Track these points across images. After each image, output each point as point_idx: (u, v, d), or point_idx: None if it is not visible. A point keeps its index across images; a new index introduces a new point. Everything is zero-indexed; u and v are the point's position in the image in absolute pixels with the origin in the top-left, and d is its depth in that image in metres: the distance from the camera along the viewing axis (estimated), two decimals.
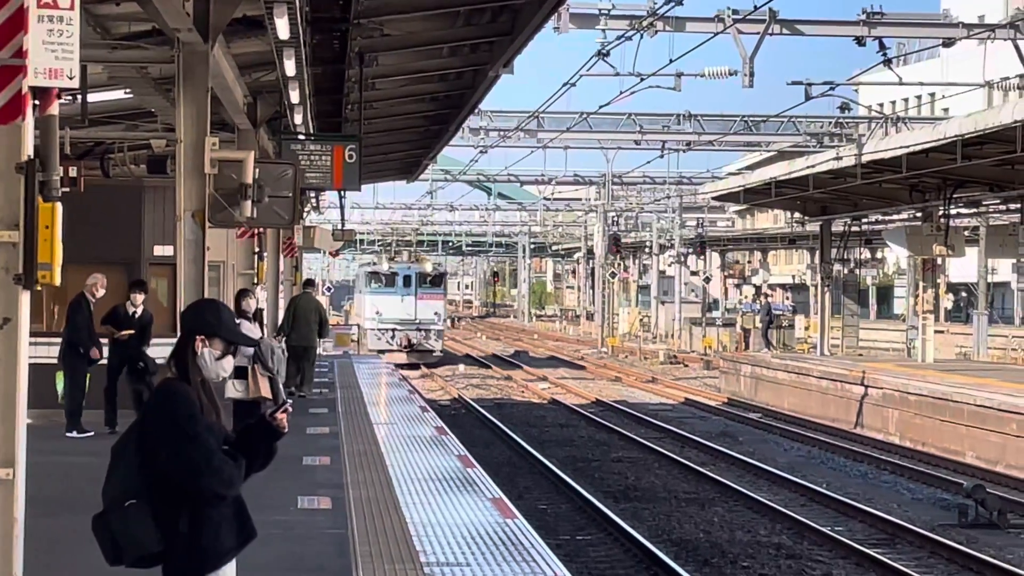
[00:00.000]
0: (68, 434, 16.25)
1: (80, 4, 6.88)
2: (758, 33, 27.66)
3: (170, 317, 17.73)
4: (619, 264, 64.60)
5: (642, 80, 29.70)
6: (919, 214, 34.58)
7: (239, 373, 14.56)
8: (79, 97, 17.08)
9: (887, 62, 29.04)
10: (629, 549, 15.59)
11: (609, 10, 28.45)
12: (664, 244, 69.92)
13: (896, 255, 59.04)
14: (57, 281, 6.57)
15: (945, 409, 25.18)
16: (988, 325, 44.40)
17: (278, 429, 5.44)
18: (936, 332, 36.24)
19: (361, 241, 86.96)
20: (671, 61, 27.87)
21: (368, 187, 63.60)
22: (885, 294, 77.60)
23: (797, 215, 41.36)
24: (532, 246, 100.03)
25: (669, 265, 71.06)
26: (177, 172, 14.30)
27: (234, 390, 14.73)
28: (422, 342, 49.94)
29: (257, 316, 17.17)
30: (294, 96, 17.95)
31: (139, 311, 16.79)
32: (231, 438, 5.45)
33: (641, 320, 71.34)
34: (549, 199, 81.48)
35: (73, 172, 17.11)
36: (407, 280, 50.97)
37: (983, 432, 23.63)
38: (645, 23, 27.07)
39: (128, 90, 20.25)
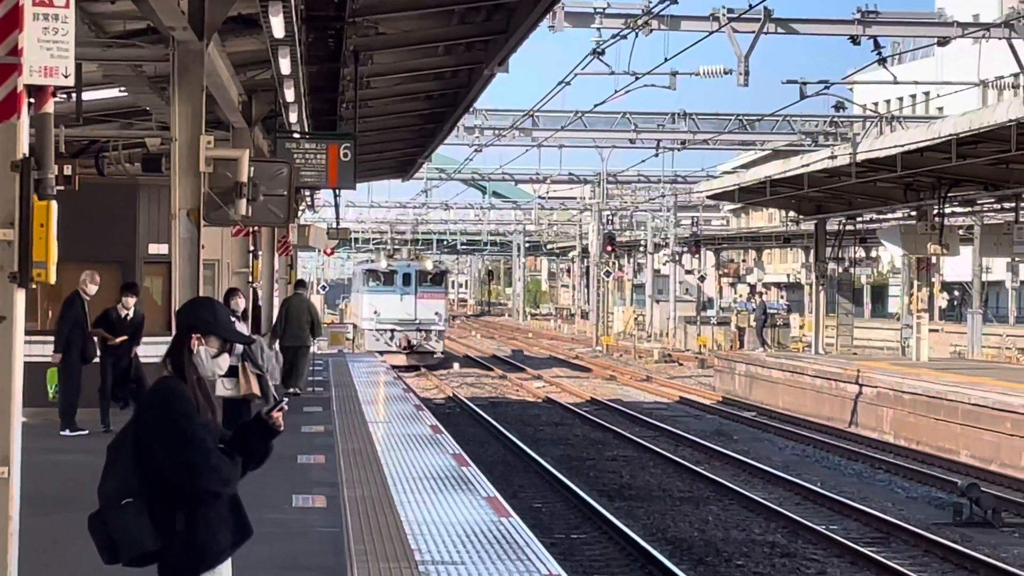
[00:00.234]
0: (62, 432, 16.24)
1: (75, 2, 6.88)
2: (753, 32, 27.67)
3: (165, 316, 17.74)
4: (614, 263, 64.58)
5: (637, 79, 29.72)
6: (914, 213, 34.59)
7: (229, 371, 14.54)
8: (74, 95, 17.06)
9: (882, 61, 29.04)
10: (624, 548, 15.59)
11: (604, 9, 28.45)
12: (659, 243, 69.96)
13: (891, 254, 59.15)
14: (52, 279, 6.57)
15: (940, 408, 25.20)
16: (982, 324, 44.47)
17: (274, 427, 5.44)
18: (930, 331, 36.24)
19: (356, 240, 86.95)
20: (666, 60, 27.88)
21: (363, 185, 63.58)
22: (880, 293, 77.68)
23: (792, 214, 41.39)
24: (527, 245, 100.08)
25: (664, 264, 71.18)
26: (172, 170, 14.29)
27: (223, 388, 14.72)
28: (422, 343, 48.09)
29: (245, 315, 17.17)
30: (289, 95, 17.95)
31: (131, 313, 16.79)
32: (226, 436, 5.45)
33: (636, 319, 71.35)
34: (544, 198, 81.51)
35: (68, 170, 17.12)
36: (406, 278, 48.96)
37: (977, 431, 23.65)
38: (640, 22, 27.07)
39: (123, 88, 20.23)
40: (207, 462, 5.22)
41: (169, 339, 5.58)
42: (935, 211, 32.26)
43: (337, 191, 35.61)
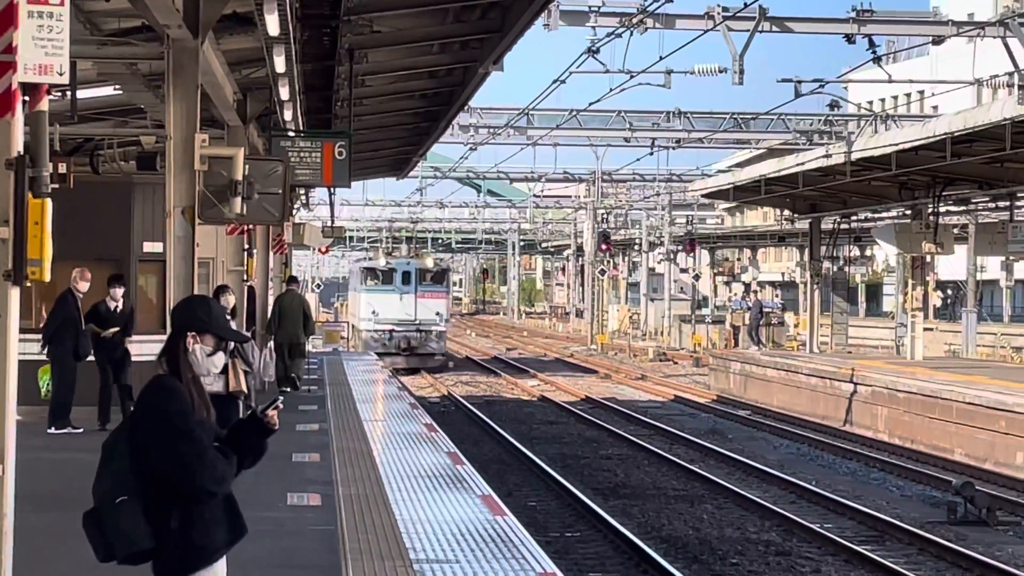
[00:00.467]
0: (48, 430, 16.10)
1: (70, 0, 6.87)
2: (748, 30, 27.66)
3: (160, 313, 17.72)
4: (608, 261, 64.62)
5: (632, 77, 29.73)
6: (908, 212, 34.63)
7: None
8: (68, 93, 17.05)
9: (877, 60, 29.05)
10: (618, 546, 15.59)
11: (599, 7, 28.44)
12: (653, 241, 69.97)
13: (885, 253, 59.23)
14: (47, 277, 6.57)
15: (934, 406, 25.22)
16: (977, 323, 44.47)
17: (269, 426, 5.44)
18: (925, 329, 36.25)
19: (351, 238, 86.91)
20: (661, 58, 27.93)
21: (357, 184, 63.52)
22: (874, 292, 77.76)
23: (787, 212, 41.38)
24: (522, 243, 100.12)
25: (658, 262, 71.14)
26: (167, 169, 14.30)
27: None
28: (423, 345, 45.93)
29: (235, 312, 17.17)
30: (284, 93, 17.94)
31: (120, 304, 16.75)
32: (221, 435, 5.44)
33: (630, 317, 71.37)
34: (539, 196, 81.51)
35: (62, 168, 17.03)
36: (406, 277, 46.56)
37: (972, 429, 23.67)
38: (635, 20, 27.06)
39: (118, 86, 20.24)
40: (202, 460, 5.21)
41: (164, 337, 5.57)
42: (930, 210, 32.28)
43: (332, 189, 35.58)
